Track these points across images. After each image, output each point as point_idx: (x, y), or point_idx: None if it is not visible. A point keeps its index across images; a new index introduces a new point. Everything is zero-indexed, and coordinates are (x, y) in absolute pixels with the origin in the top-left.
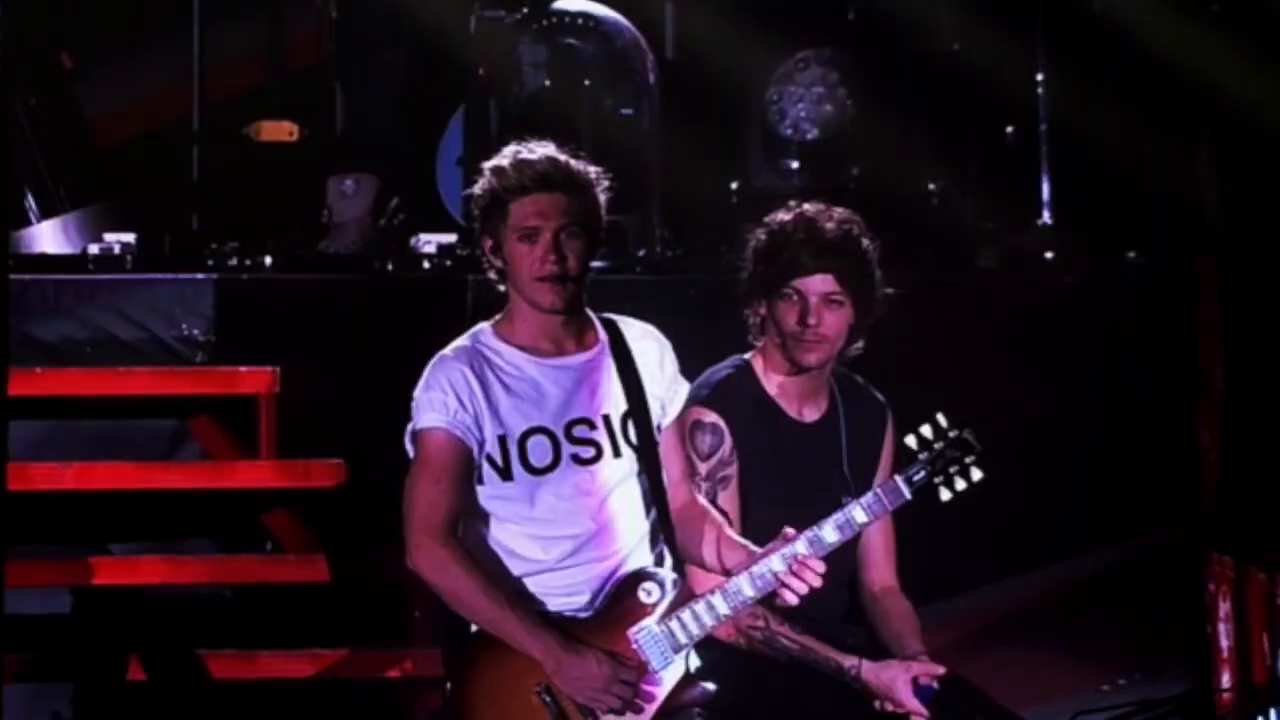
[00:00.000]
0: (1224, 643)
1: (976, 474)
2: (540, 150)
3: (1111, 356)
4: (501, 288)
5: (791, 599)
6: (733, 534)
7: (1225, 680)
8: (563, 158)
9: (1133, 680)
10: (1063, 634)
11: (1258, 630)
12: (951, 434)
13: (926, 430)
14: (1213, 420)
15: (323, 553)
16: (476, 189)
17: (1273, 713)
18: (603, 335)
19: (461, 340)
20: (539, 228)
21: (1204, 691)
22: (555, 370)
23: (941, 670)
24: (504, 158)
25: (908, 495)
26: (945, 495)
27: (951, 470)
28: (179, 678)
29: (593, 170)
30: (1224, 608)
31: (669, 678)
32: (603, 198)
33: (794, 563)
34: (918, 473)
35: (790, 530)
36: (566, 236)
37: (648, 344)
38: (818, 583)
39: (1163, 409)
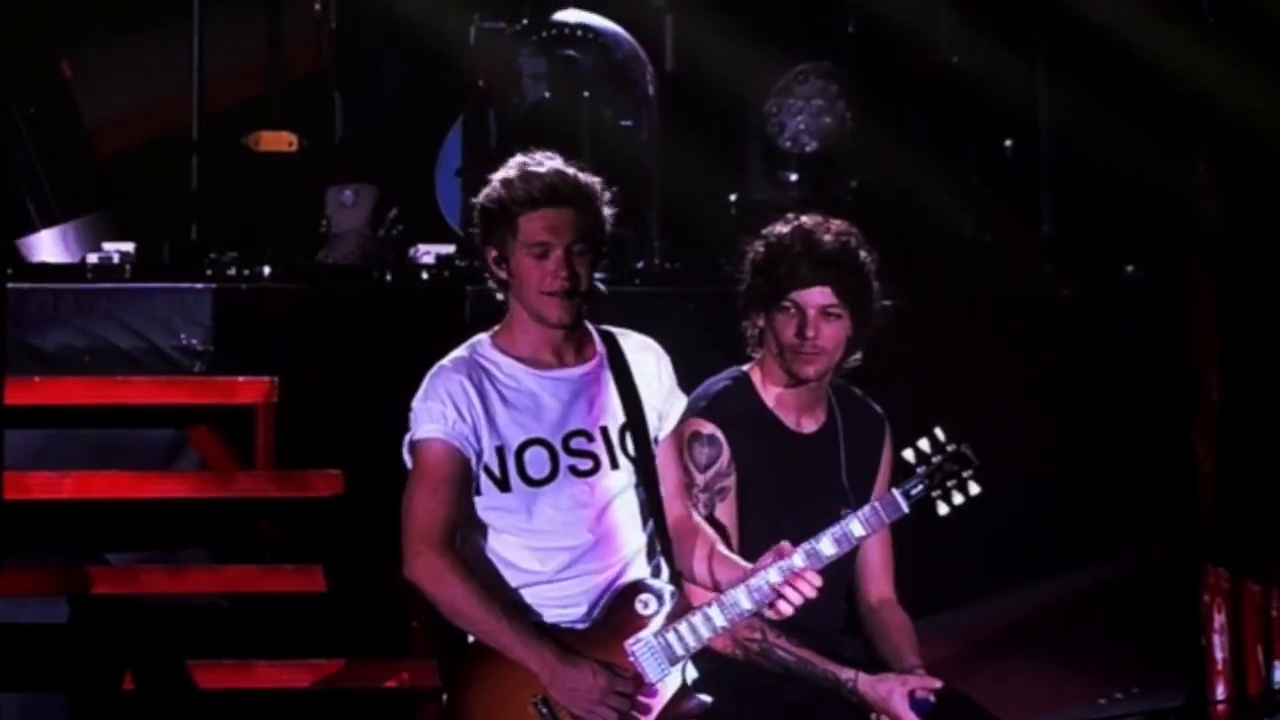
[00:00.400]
0: (1219, 655)
1: (974, 488)
2: (549, 163)
3: (1109, 369)
4: (500, 297)
5: (787, 609)
6: (725, 550)
7: (1220, 692)
8: (571, 171)
9: (1130, 694)
10: (1060, 648)
11: (1252, 642)
12: (949, 448)
13: (924, 444)
14: (1208, 431)
15: (320, 563)
16: (482, 199)
17: None
18: (601, 347)
19: (459, 351)
20: (550, 243)
21: (1199, 703)
22: (554, 382)
23: (938, 684)
24: (512, 169)
25: (905, 509)
26: (943, 509)
27: (949, 484)
28: (175, 688)
29: (598, 183)
30: (1219, 620)
31: (666, 689)
32: (607, 211)
33: (791, 574)
34: (915, 486)
35: (786, 544)
36: (577, 252)
37: (645, 356)
38: (813, 594)
39: (1160, 421)
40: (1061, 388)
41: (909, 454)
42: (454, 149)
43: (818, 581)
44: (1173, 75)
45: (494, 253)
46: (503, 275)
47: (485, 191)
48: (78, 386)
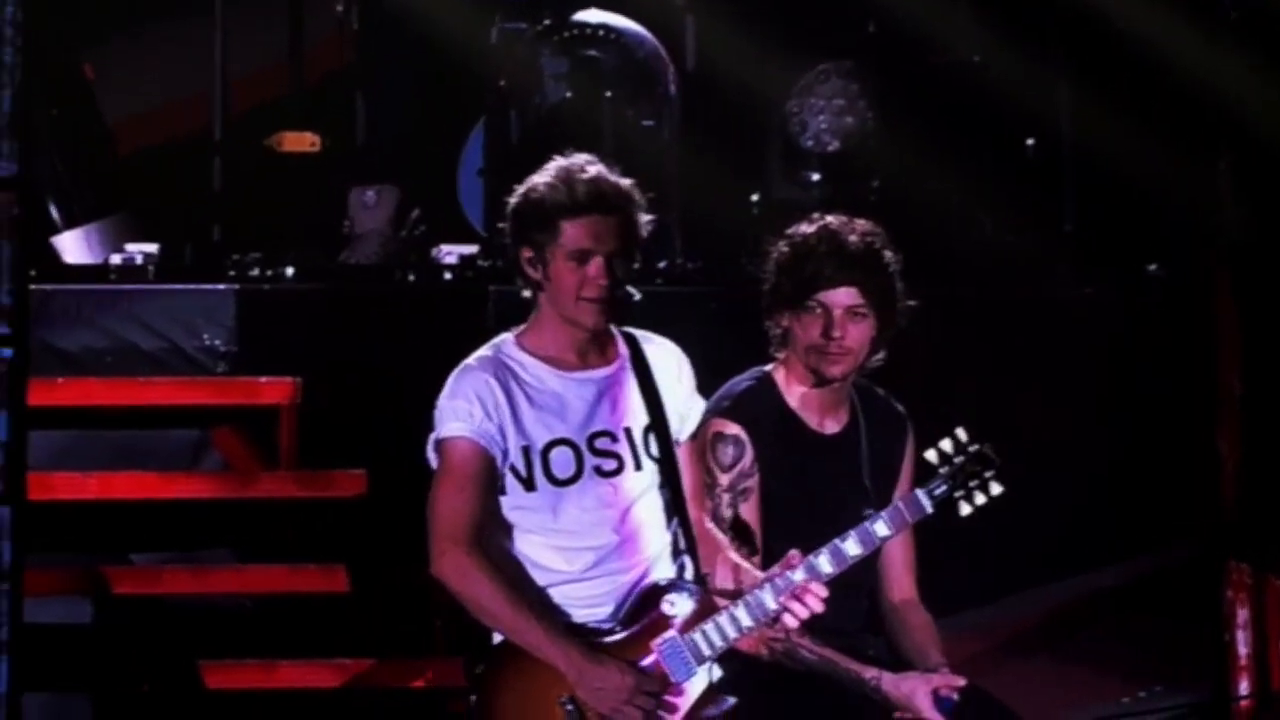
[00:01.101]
0: (1242, 650)
1: (996, 488)
2: (591, 168)
3: (1131, 368)
4: (526, 294)
5: (792, 623)
6: (738, 558)
7: (1243, 688)
8: (614, 177)
9: (1154, 694)
10: (1085, 647)
11: (1275, 638)
12: (971, 448)
13: (946, 444)
14: (1231, 429)
15: (344, 563)
16: (519, 199)
17: None
18: (623, 349)
19: (484, 350)
20: (592, 250)
21: (1222, 699)
22: (578, 383)
23: (962, 682)
24: (553, 172)
25: (929, 509)
26: (965, 510)
27: (971, 484)
28: (199, 688)
29: (634, 188)
30: (1242, 615)
31: (692, 690)
32: (644, 218)
33: (797, 588)
34: (939, 487)
35: (795, 554)
36: (617, 260)
37: (667, 358)
38: (820, 608)
39: (1182, 419)
40: (1083, 386)
41: (931, 454)
42: (476, 149)
43: (824, 593)
44: (1194, 75)
45: (529, 253)
46: (536, 276)
47: (523, 191)
48: (101, 387)
